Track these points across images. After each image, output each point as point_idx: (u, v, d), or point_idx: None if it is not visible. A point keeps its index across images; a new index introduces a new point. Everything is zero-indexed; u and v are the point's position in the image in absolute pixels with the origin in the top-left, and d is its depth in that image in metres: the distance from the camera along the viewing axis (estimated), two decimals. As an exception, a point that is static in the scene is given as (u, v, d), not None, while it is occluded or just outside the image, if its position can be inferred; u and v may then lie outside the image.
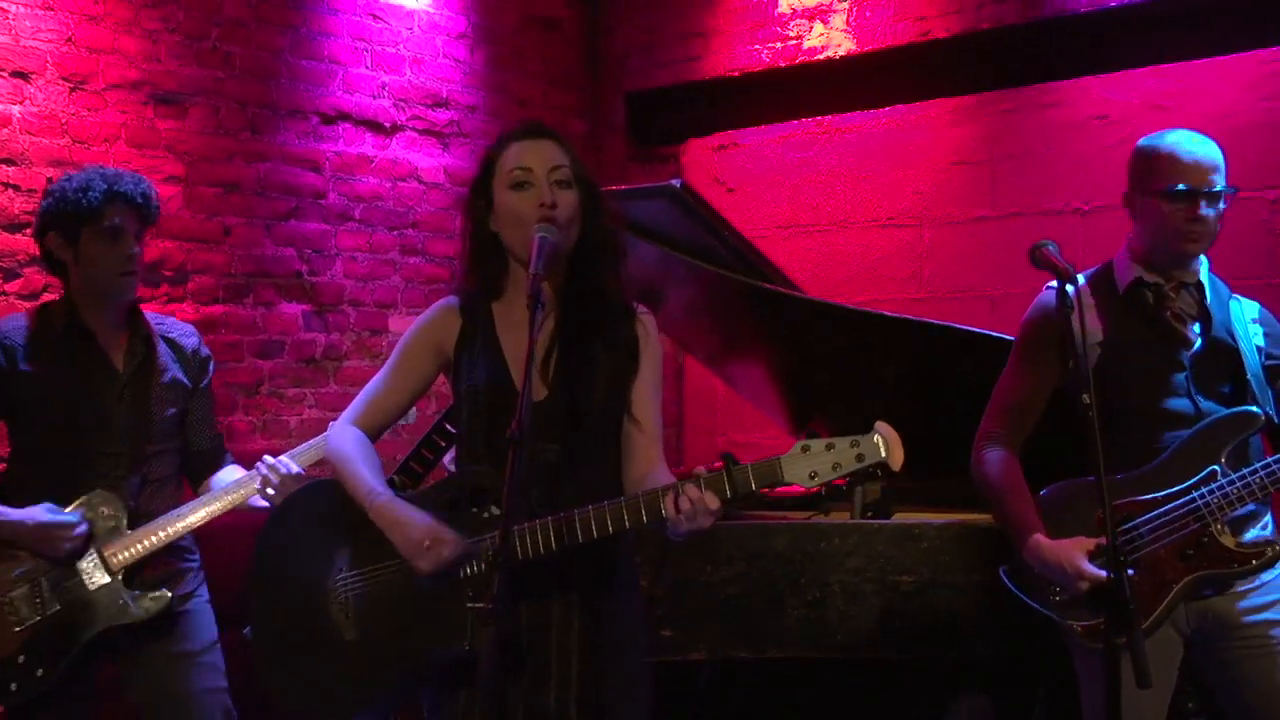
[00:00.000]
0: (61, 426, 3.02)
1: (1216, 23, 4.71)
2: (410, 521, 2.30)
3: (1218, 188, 2.77)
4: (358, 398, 2.56)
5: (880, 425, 2.15)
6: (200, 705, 3.11)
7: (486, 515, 2.28)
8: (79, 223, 2.99)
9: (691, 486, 2.15)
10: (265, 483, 3.05)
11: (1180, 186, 2.76)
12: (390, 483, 2.47)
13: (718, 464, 2.38)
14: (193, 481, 3.29)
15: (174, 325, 3.26)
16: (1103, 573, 2.57)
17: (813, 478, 2.14)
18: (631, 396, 2.44)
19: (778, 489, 2.22)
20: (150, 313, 3.21)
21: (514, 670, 2.29)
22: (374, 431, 2.53)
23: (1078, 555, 2.67)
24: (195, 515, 3.07)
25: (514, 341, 2.41)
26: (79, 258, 3.02)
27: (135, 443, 3.07)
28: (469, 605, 2.24)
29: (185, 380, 3.19)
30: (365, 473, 2.40)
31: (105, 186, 3.00)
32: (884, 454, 2.13)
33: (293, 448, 3.15)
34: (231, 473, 3.24)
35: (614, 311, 2.44)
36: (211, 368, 3.29)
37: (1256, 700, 2.74)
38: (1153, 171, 2.81)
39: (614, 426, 2.43)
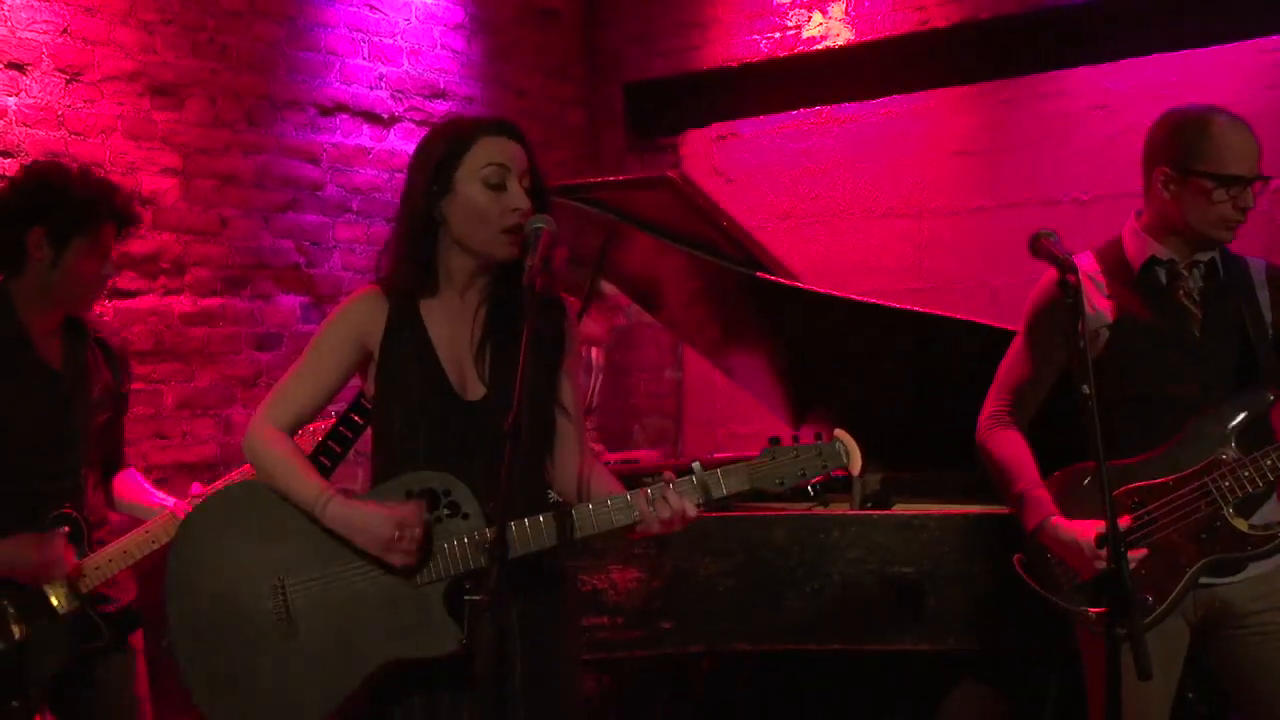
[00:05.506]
0: (4, 435, 2.79)
1: (1216, 11, 4.71)
2: (370, 519, 2.21)
3: (1263, 175, 2.68)
4: (272, 395, 2.39)
5: (839, 433, 2.25)
6: (138, 705, 2.98)
7: (440, 520, 2.22)
8: (74, 231, 2.79)
9: (672, 492, 2.20)
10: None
11: (1234, 173, 2.66)
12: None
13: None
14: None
15: (101, 325, 3.08)
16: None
17: (780, 484, 2.23)
18: (560, 386, 2.40)
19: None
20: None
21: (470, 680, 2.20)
22: (292, 431, 2.37)
23: (1095, 534, 2.62)
24: (150, 545, 2.90)
25: (446, 339, 2.32)
26: (58, 263, 2.81)
27: (85, 454, 2.90)
28: (465, 598, 2.21)
29: (115, 383, 3.01)
30: (306, 476, 2.30)
31: (110, 205, 2.81)
32: (845, 460, 2.22)
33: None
34: (144, 493, 3.07)
35: (543, 305, 2.29)
36: (130, 368, 3.11)
37: (1268, 686, 2.70)
38: (1198, 152, 2.68)
39: (550, 420, 2.39)
